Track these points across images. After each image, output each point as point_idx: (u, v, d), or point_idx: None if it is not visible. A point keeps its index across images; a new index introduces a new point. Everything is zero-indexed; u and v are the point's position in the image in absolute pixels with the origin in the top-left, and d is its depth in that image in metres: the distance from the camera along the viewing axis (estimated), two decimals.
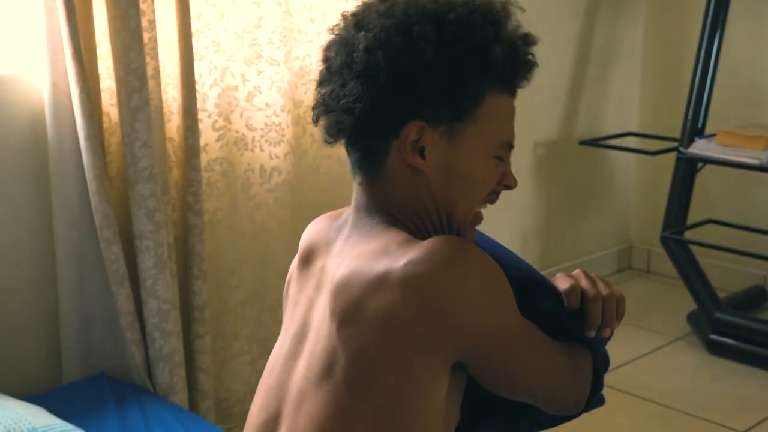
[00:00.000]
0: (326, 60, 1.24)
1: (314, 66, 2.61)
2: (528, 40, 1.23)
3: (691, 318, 3.37)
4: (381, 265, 1.14)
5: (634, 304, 3.64)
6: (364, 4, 1.23)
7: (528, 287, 1.28)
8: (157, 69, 2.25)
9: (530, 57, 1.23)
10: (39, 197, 2.24)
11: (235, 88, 2.48)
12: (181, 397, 2.33)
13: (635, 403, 2.86)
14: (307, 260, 1.33)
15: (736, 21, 3.28)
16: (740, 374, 3.06)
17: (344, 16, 1.24)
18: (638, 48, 3.90)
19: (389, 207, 1.23)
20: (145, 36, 2.20)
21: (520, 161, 3.54)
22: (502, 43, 1.18)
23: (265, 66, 2.49)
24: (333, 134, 1.24)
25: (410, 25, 1.15)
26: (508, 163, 1.27)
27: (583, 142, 3.58)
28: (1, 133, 2.17)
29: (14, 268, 2.25)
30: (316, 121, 1.25)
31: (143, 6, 2.19)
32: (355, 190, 1.27)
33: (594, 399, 1.36)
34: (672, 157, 3.34)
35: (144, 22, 2.19)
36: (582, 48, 3.69)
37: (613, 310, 1.30)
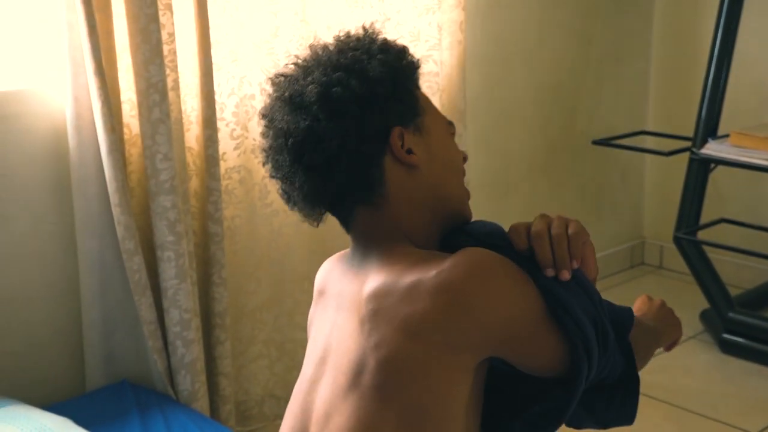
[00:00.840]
0: (277, 120, 1.30)
1: None
2: (399, 49, 1.37)
3: (704, 316, 3.40)
4: (411, 277, 1.22)
5: None
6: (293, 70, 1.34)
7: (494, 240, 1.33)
8: (176, 81, 2.28)
9: (409, 56, 1.37)
10: (61, 208, 2.28)
11: (252, 96, 2.51)
12: (202, 404, 2.37)
13: (646, 402, 2.87)
14: (323, 293, 1.39)
15: (748, 17, 3.28)
16: (753, 374, 3.08)
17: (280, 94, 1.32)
18: (650, 46, 3.90)
19: (399, 222, 1.31)
20: (165, 48, 2.23)
21: (532, 159, 3.57)
22: (403, 52, 1.34)
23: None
24: (319, 191, 1.30)
25: (341, 64, 1.29)
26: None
27: (596, 142, 3.60)
28: (24, 146, 2.21)
29: (38, 278, 2.29)
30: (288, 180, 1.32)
31: (163, 19, 2.21)
32: (355, 237, 1.34)
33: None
34: (685, 154, 3.36)
35: (164, 35, 2.22)
36: (593, 46, 3.70)
37: (564, 247, 1.26)
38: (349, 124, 1.27)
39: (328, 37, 2.60)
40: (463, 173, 1.39)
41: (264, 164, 1.35)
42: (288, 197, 1.34)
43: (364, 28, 1.37)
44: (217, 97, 2.41)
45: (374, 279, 1.26)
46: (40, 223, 2.27)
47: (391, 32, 2.75)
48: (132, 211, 2.25)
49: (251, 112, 2.51)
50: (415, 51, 2.80)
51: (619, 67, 3.82)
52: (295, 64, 1.34)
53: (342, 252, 1.41)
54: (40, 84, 2.23)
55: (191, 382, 2.34)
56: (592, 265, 1.33)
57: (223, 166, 2.48)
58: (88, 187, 2.23)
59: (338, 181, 1.29)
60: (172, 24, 2.24)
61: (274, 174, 1.33)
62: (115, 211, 2.20)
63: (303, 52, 1.37)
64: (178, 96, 2.29)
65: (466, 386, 1.23)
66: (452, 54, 2.87)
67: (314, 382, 1.32)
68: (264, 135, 1.33)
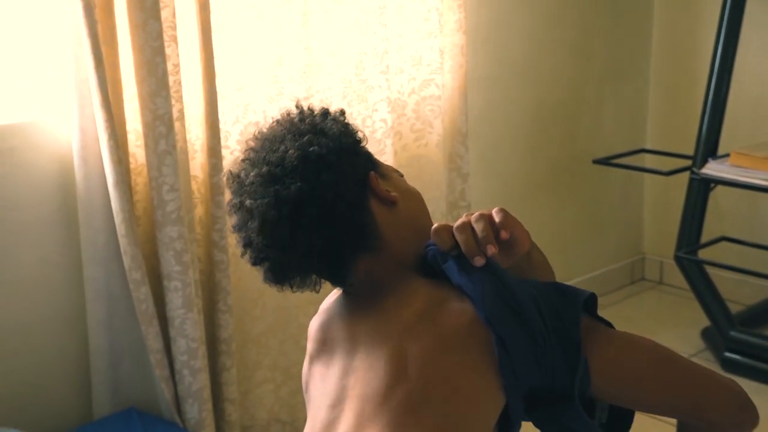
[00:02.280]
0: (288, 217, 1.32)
1: (334, 99, 2.65)
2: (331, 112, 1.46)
3: (705, 334, 3.42)
4: (442, 298, 1.30)
5: (646, 318, 3.73)
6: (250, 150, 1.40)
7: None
8: (182, 111, 2.30)
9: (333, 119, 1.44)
10: (68, 238, 2.29)
11: (257, 124, 2.52)
12: (209, 431, 2.39)
13: (649, 422, 2.89)
14: (325, 342, 1.40)
15: (747, 33, 3.30)
16: (756, 393, 3.05)
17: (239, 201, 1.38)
18: (649, 63, 3.92)
19: (399, 258, 1.36)
20: (170, 79, 2.24)
21: (533, 178, 3.59)
22: (339, 113, 1.44)
23: (286, 102, 2.53)
24: (324, 255, 1.34)
25: (303, 129, 1.37)
26: None
27: (596, 161, 3.62)
28: (31, 177, 2.22)
29: (45, 307, 2.30)
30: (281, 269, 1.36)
31: (168, 51, 2.23)
32: (358, 287, 1.37)
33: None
34: (685, 173, 3.38)
35: (169, 67, 2.23)
36: (592, 65, 3.72)
37: (485, 228, 1.31)
38: (335, 175, 1.32)
39: (330, 64, 2.65)
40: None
41: (245, 250, 1.34)
42: (282, 272, 1.34)
43: (296, 105, 1.44)
44: (221, 125, 2.43)
45: (404, 311, 1.31)
46: (47, 254, 2.28)
47: (394, 57, 2.78)
48: (138, 240, 2.27)
49: None
50: (417, 75, 2.83)
51: (619, 85, 3.84)
52: (251, 148, 1.39)
53: (330, 303, 1.43)
54: (47, 116, 2.25)
55: (198, 410, 2.35)
56: (520, 233, 1.38)
57: (228, 193, 2.49)
58: (94, 218, 2.24)
59: (339, 234, 1.32)
60: (177, 55, 2.26)
61: (263, 254, 1.32)
62: (122, 241, 2.21)
63: (250, 140, 1.41)
64: (183, 126, 2.31)
65: (494, 404, 1.27)
66: (454, 77, 2.89)
67: (331, 423, 1.33)
68: (243, 222, 1.34)
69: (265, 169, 1.33)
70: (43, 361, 2.31)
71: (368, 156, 1.42)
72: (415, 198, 1.43)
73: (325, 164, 1.32)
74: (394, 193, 1.38)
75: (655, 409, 1.35)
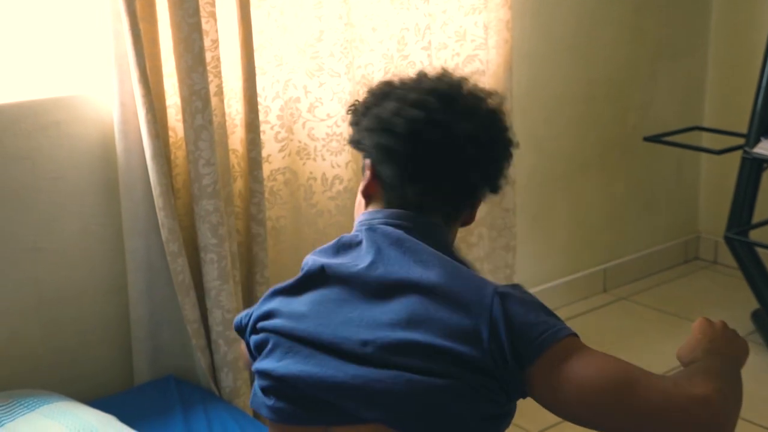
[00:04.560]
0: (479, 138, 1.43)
1: (376, 75, 2.66)
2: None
3: (756, 316, 3.35)
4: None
5: (697, 299, 3.68)
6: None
7: None
8: (220, 86, 2.33)
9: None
10: (109, 210, 2.35)
11: (297, 99, 2.55)
12: (244, 400, 2.44)
13: None
14: None
15: None
16: None
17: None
18: (707, 40, 3.84)
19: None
20: (209, 55, 2.28)
21: (584, 155, 3.56)
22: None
23: (326, 78, 2.55)
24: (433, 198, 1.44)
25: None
26: None
27: (647, 138, 3.56)
28: (74, 150, 2.29)
29: (88, 277, 2.37)
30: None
31: (206, 26, 2.26)
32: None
33: None
34: (740, 151, 3.31)
35: (207, 42, 2.27)
36: (647, 41, 3.66)
37: None
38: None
39: (372, 40, 2.65)
40: None
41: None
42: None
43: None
44: (261, 101, 2.46)
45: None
46: (89, 224, 2.34)
47: (437, 33, 2.77)
48: (177, 212, 2.32)
49: (296, 114, 2.55)
50: (461, 51, 2.82)
51: (675, 62, 3.77)
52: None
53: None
54: (90, 90, 2.30)
55: (233, 380, 2.40)
56: None
57: (268, 168, 2.53)
58: (134, 191, 2.30)
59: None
60: (216, 31, 2.29)
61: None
62: (160, 214, 2.26)
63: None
64: (222, 101, 2.34)
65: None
66: (498, 53, 2.87)
67: None
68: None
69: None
70: (85, 330, 2.39)
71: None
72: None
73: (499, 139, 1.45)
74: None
75: None
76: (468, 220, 1.50)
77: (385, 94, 1.46)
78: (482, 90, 1.47)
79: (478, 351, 1.22)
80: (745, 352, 1.45)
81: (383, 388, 1.24)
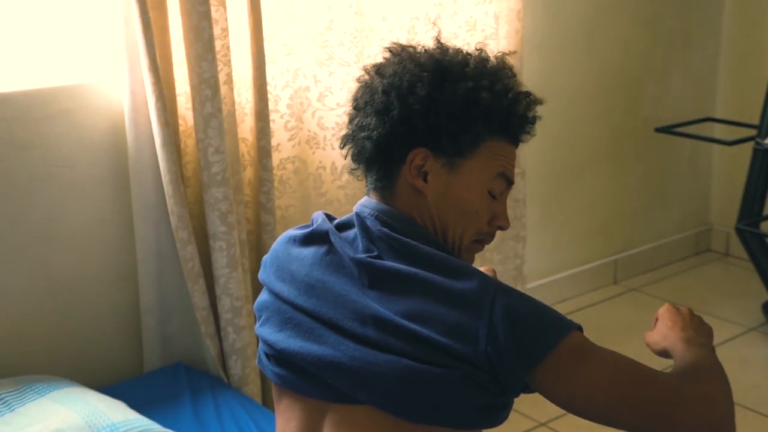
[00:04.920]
0: (354, 101, 1.42)
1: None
2: (530, 99, 1.40)
3: (767, 308, 3.34)
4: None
5: (708, 290, 3.67)
6: (384, 59, 1.42)
7: None
8: (230, 75, 2.34)
9: (530, 113, 1.40)
10: (120, 197, 2.37)
11: (307, 88, 2.55)
12: (253, 387, 2.45)
13: None
14: None
15: None
16: None
17: (366, 69, 1.42)
18: (720, 29, 3.82)
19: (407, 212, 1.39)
20: (218, 43, 2.28)
21: (595, 146, 3.55)
22: (491, 92, 1.34)
23: (336, 67, 2.55)
24: (356, 160, 1.41)
25: (418, 73, 1.35)
26: (504, 203, 1.41)
27: (659, 129, 3.55)
28: (85, 138, 2.30)
29: (98, 264, 2.38)
30: (343, 147, 1.44)
31: (216, 15, 2.27)
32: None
33: None
34: (752, 142, 3.29)
35: (217, 31, 2.27)
36: (659, 29, 3.64)
37: None
38: (387, 120, 1.35)
39: (382, 29, 2.66)
40: (483, 239, 1.40)
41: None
42: (351, 136, 1.41)
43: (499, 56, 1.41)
44: (271, 90, 2.46)
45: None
46: (100, 212, 2.36)
47: (447, 22, 2.77)
48: (187, 200, 2.33)
49: (305, 104, 2.56)
50: (471, 41, 2.81)
51: (687, 52, 3.75)
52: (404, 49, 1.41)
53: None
54: (100, 78, 2.31)
55: (242, 367, 2.41)
56: None
57: (277, 157, 2.53)
58: (144, 178, 2.31)
59: (375, 143, 1.37)
60: (226, 19, 2.29)
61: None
62: (169, 202, 2.27)
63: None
64: (231, 90, 2.35)
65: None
66: (509, 43, 2.87)
67: None
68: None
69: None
70: (96, 316, 2.40)
71: (453, 141, 1.34)
72: (456, 208, 1.36)
73: (382, 115, 1.35)
74: (422, 183, 1.34)
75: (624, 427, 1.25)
76: (411, 175, 1.35)
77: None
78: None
79: (474, 350, 1.21)
80: (712, 339, 1.49)
81: (379, 372, 1.24)
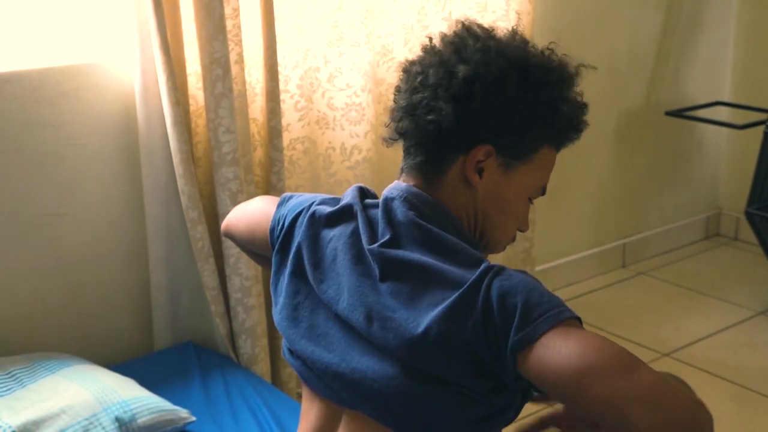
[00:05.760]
0: (421, 74, 1.34)
1: (396, 45, 2.66)
2: (585, 108, 1.40)
3: None
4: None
5: (717, 275, 3.67)
6: (458, 35, 1.35)
7: None
8: (240, 55, 2.34)
9: (584, 123, 1.41)
10: (131, 176, 2.37)
11: (317, 69, 2.55)
12: (262, 366, 2.46)
13: (708, 380, 2.87)
14: None
15: None
16: None
17: (442, 39, 1.36)
18: (732, 12, 3.80)
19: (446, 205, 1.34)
20: (229, 23, 2.28)
21: (604, 129, 3.54)
22: (568, 103, 1.35)
23: (346, 48, 2.55)
24: (409, 137, 1.35)
25: (506, 68, 1.30)
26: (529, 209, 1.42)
27: (669, 113, 3.54)
28: (96, 117, 2.31)
29: (108, 243, 2.40)
30: (399, 121, 1.36)
31: None
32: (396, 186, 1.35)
33: None
34: (762, 126, 3.28)
35: (228, 10, 2.27)
36: (670, 12, 3.63)
37: None
38: (465, 111, 1.29)
39: (392, 10, 2.65)
40: (515, 232, 1.42)
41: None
42: (413, 110, 1.33)
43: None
44: (281, 70, 2.46)
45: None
46: (111, 191, 2.37)
47: (457, 3, 2.76)
48: (197, 180, 2.34)
49: (315, 84, 2.56)
50: (482, 22, 2.80)
51: (698, 35, 3.74)
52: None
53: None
54: (111, 57, 2.32)
55: (251, 346, 2.43)
56: None
57: (287, 137, 2.54)
58: (155, 157, 2.31)
59: (444, 130, 1.31)
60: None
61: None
62: (180, 181, 2.28)
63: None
64: (242, 69, 2.35)
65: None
66: (520, 24, 2.85)
67: None
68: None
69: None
70: (106, 294, 2.42)
71: (519, 144, 1.32)
72: (502, 208, 1.35)
73: (459, 104, 1.30)
74: (477, 179, 1.32)
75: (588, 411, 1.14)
76: (469, 169, 1.32)
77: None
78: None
79: (472, 328, 1.18)
80: None
81: (377, 389, 1.24)
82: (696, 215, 4.01)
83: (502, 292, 1.18)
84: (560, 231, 3.53)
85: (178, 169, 2.27)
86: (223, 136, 2.29)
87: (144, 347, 2.48)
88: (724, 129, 3.86)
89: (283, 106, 2.49)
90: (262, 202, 1.56)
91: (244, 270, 2.37)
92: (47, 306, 2.33)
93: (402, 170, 1.37)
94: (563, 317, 1.16)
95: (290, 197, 1.47)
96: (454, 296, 1.20)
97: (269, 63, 2.38)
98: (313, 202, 1.41)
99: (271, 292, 1.44)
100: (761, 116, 3.36)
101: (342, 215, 1.36)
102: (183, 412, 2.06)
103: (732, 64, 3.86)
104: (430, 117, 1.31)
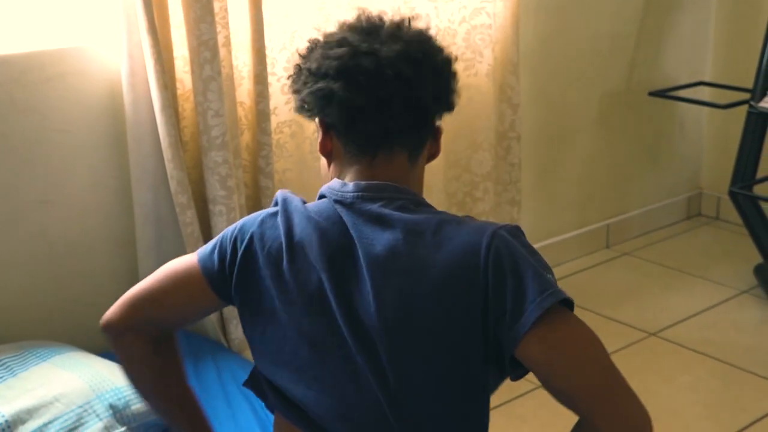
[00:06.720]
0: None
1: None
2: None
3: (759, 271, 3.37)
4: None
5: (700, 254, 3.70)
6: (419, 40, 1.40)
7: None
8: (228, 37, 2.32)
9: None
10: (118, 162, 2.35)
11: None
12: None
13: (696, 359, 2.90)
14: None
15: None
16: None
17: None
18: None
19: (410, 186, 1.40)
20: (216, 5, 2.26)
21: (589, 110, 3.55)
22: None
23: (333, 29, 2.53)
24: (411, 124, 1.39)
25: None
26: None
27: (652, 93, 3.56)
28: (82, 102, 2.28)
29: (96, 229, 2.37)
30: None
31: None
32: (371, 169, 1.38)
33: None
34: (746, 105, 3.30)
35: None
36: None
37: None
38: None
39: None
40: None
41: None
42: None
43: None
44: (268, 52, 2.44)
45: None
46: (98, 177, 2.34)
47: None
48: (185, 165, 2.32)
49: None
50: (468, 3, 2.80)
51: (679, 16, 3.75)
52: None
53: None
54: (97, 41, 2.29)
55: (242, 332, 2.41)
56: None
57: (274, 120, 2.52)
58: (143, 143, 2.29)
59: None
60: None
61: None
62: (168, 166, 2.26)
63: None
64: (230, 53, 2.33)
65: None
66: (506, 6, 2.86)
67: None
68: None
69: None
70: (94, 281, 2.39)
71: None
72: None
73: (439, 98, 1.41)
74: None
75: (559, 394, 1.22)
76: (435, 151, 1.43)
77: (310, 49, 1.44)
78: (402, 18, 1.42)
79: (476, 296, 1.22)
80: None
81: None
82: (678, 195, 4.03)
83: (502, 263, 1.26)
84: (545, 212, 3.54)
85: (167, 153, 2.25)
86: (212, 120, 2.27)
87: None
88: (705, 109, 3.88)
89: (269, 89, 2.47)
90: (156, 274, 1.47)
91: None
92: (35, 294, 2.30)
93: (355, 167, 1.43)
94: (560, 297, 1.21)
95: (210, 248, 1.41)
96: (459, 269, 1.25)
97: (257, 46, 2.36)
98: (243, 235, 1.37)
99: (255, 342, 1.39)
100: (743, 96, 3.37)
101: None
102: None
103: (713, 44, 3.87)
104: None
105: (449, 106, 1.41)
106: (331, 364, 1.30)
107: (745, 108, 3.30)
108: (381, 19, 1.40)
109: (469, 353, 1.24)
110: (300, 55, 1.44)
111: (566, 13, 3.35)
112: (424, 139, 1.40)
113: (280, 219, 1.36)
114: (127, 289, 2.41)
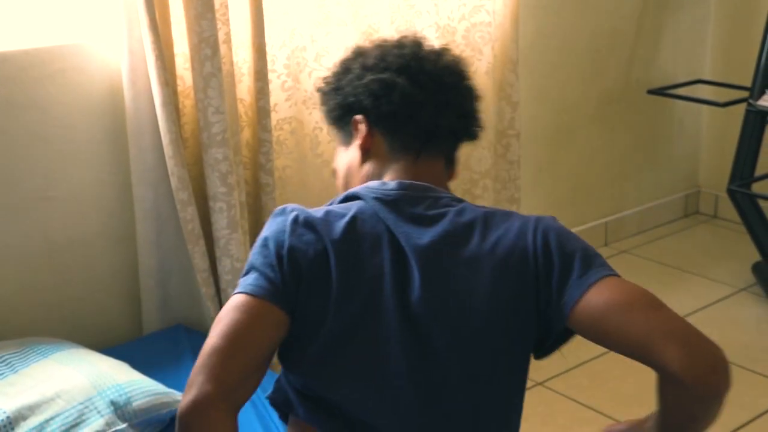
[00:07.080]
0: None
1: (382, 24, 2.65)
2: None
3: (757, 269, 3.38)
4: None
5: (698, 252, 3.70)
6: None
7: None
8: (228, 34, 2.32)
9: None
10: (118, 159, 2.35)
11: (304, 48, 2.53)
12: None
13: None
14: None
15: None
16: None
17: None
18: None
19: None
20: (217, 2, 2.26)
21: (587, 108, 3.55)
22: None
23: (333, 27, 2.54)
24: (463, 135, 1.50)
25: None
26: None
27: (651, 92, 3.56)
28: (83, 99, 2.28)
29: (96, 225, 2.37)
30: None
31: None
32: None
33: None
34: (743, 103, 3.31)
35: None
36: None
37: None
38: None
39: None
40: None
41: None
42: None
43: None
44: (268, 49, 2.44)
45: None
46: (98, 173, 2.34)
47: None
48: (186, 162, 2.32)
49: (302, 63, 2.54)
50: (467, 1, 2.80)
51: (678, 14, 3.75)
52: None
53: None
54: (98, 38, 2.29)
55: None
56: None
57: (274, 117, 2.52)
58: (143, 139, 2.29)
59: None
60: None
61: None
62: (169, 162, 2.26)
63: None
64: (230, 49, 2.33)
65: None
66: (505, 3, 2.86)
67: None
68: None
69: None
70: (95, 278, 2.39)
71: None
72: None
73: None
74: None
75: (626, 345, 1.25)
76: (453, 173, 1.50)
77: (357, 53, 1.51)
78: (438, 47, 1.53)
79: (528, 272, 1.27)
80: None
81: None
82: (676, 193, 4.04)
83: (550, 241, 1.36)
84: (543, 210, 3.51)
85: (168, 150, 2.25)
86: (213, 117, 2.27)
87: (133, 331, 2.46)
88: (704, 107, 3.89)
89: (270, 86, 2.47)
90: (214, 335, 1.32)
91: (234, 251, 2.36)
92: (35, 290, 2.30)
93: (400, 167, 1.47)
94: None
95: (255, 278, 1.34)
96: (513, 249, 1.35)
97: (257, 42, 2.36)
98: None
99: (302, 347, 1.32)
100: (742, 94, 3.38)
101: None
102: (178, 395, 2.04)
103: (712, 42, 3.88)
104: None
105: (473, 135, 1.51)
106: (380, 359, 1.28)
107: (743, 106, 3.31)
108: (422, 42, 1.51)
109: (524, 337, 1.29)
110: (347, 57, 1.51)
111: (565, 11, 3.36)
112: (456, 149, 1.48)
113: (307, 225, 1.32)
114: (127, 285, 2.44)
